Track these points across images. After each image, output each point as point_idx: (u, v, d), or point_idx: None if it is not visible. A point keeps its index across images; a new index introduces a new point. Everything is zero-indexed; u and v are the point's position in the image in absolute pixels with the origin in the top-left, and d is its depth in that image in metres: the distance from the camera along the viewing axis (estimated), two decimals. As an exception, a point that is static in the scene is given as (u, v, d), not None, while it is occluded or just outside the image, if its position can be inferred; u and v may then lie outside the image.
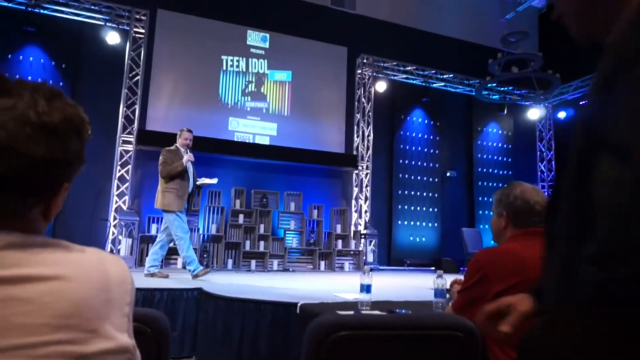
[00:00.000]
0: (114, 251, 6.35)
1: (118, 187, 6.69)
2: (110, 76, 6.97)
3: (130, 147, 6.80)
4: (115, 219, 6.56)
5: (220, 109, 7.67)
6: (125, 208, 6.63)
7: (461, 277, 1.84)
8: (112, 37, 6.91)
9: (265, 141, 7.84)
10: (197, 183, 5.09)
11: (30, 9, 6.51)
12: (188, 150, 4.96)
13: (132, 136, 6.84)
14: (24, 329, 0.55)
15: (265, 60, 8.09)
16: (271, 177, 7.28)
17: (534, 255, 1.40)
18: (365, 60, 8.40)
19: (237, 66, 7.90)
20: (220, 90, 7.72)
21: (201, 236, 6.83)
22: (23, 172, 0.60)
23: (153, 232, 6.63)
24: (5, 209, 0.62)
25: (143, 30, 7.09)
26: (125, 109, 6.86)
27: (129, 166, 6.76)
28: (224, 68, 7.79)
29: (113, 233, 6.53)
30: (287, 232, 7.46)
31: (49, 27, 6.70)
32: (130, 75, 6.94)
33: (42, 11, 6.67)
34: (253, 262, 6.89)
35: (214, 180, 5.12)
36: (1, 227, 0.61)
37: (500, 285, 1.37)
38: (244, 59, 7.95)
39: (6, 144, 0.58)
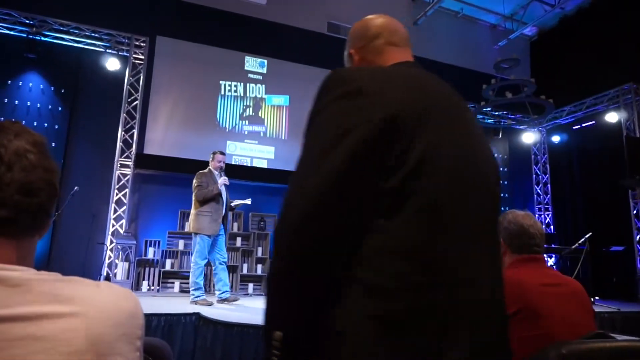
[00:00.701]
0: (111, 275, 6.29)
1: (115, 211, 6.68)
2: (109, 101, 7.04)
3: (128, 171, 6.82)
4: (111, 242, 6.52)
5: (218, 132, 7.73)
6: (122, 231, 6.60)
7: None
8: (112, 64, 7.01)
9: (263, 164, 7.88)
10: (232, 205, 5.10)
11: (31, 37, 6.62)
12: (222, 173, 4.98)
13: (129, 160, 6.87)
14: None
15: (263, 85, 8.20)
16: (269, 200, 7.27)
17: (534, 282, 1.43)
18: (361, 85, 8.52)
19: (235, 91, 8.00)
20: (218, 115, 7.80)
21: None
22: None
23: (150, 255, 6.60)
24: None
25: (142, 57, 7.21)
26: (123, 132, 6.91)
27: (127, 190, 6.76)
28: (222, 93, 7.89)
29: (109, 257, 6.48)
30: (284, 255, 7.40)
31: (50, 53, 6.80)
32: (129, 99, 7.01)
33: (42, 38, 6.78)
34: (250, 285, 6.83)
35: (248, 201, 5.16)
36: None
37: None
38: (242, 83, 8.06)
39: None
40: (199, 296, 4.58)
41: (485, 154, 0.91)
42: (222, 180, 4.85)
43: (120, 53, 7.22)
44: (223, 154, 5.16)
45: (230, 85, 7.97)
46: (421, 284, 0.71)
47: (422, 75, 0.97)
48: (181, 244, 6.83)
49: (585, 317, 1.43)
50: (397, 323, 0.69)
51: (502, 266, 0.87)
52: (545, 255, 1.62)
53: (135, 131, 6.98)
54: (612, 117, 8.34)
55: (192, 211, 4.83)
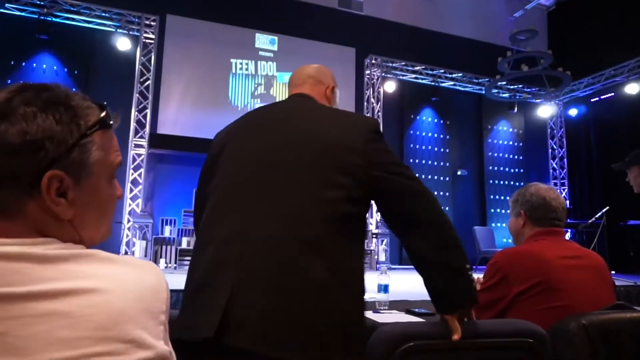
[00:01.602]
0: (129, 253, 6.43)
1: (131, 190, 6.77)
2: (122, 81, 7.06)
3: (142, 151, 6.88)
4: (129, 221, 6.64)
5: (230, 111, 7.73)
6: (138, 211, 6.71)
7: (477, 277, 1.86)
8: (123, 43, 7.00)
9: (275, 143, 7.88)
10: None
11: (42, 18, 6.62)
12: None
13: (144, 140, 6.93)
14: (66, 343, 0.55)
15: (274, 63, 8.13)
16: (282, 179, 7.33)
17: (554, 255, 1.42)
18: (373, 61, 8.41)
19: (247, 69, 7.95)
20: (230, 93, 7.78)
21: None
22: None
23: (166, 233, 6.71)
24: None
25: (153, 36, 7.17)
26: (136, 113, 6.94)
27: (142, 169, 6.84)
28: (233, 71, 7.85)
29: (127, 235, 6.61)
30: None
31: (61, 34, 6.80)
32: (141, 80, 7.02)
33: (54, 19, 6.78)
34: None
35: None
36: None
37: (521, 286, 1.38)
38: (253, 61, 8.00)
39: None
40: None
41: (283, 144, 1.13)
42: None
43: (131, 33, 7.19)
44: None
45: (241, 64, 7.92)
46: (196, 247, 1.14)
47: (260, 108, 1.38)
48: (197, 223, 6.93)
49: (605, 290, 1.43)
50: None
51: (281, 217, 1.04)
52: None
53: (148, 111, 7.01)
54: (632, 88, 8.12)
55: None
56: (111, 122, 0.70)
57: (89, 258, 0.62)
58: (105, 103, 0.69)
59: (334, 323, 0.96)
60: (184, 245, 6.70)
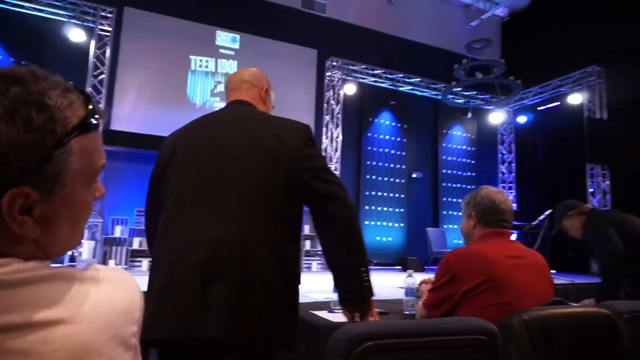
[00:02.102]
0: (76, 254, 6.17)
1: (81, 188, 6.51)
2: (74, 74, 6.75)
3: (94, 147, 6.63)
4: (78, 220, 6.37)
5: (189, 108, 7.58)
6: (89, 209, 6.45)
7: (429, 276, 1.93)
8: (76, 35, 6.71)
9: (235, 142, 7.81)
10: None
11: (-13, 3, 6.25)
12: None
13: (96, 136, 6.67)
14: None
15: (235, 61, 8.05)
16: (240, 178, 7.26)
17: (500, 254, 1.51)
18: (334, 63, 8.49)
19: (206, 66, 7.82)
20: (189, 90, 7.64)
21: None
22: None
23: (117, 233, 6.50)
24: None
25: (109, 28, 6.92)
26: (89, 107, 6.67)
27: (93, 166, 6.58)
28: (193, 68, 7.71)
29: (76, 235, 6.34)
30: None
31: (8, 22, 6.44)
32: (95, 73, 6.76)
33: (1, 5, 6.41)
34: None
35: None
36: None
37: (469, 283, 1.45)
38: (213, 59, 7.89)
39: None
40: None
41: (235, 152, 1.23)
42: None
43: (85, 24, 6.91)
44: None
45: (201, 61, 7.79)
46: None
47: (204, 116, 1.43)
48: (151, 222, 6.75)
49: (545, 287, 1.53)
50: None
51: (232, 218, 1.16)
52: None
53: (101, 106, 6.75)
54: (575, 98, 8.63)
55: None
56: (95, 122, 0.59)
57: (53, 280, 0.53)
58: (91, 97, 0.60)
59: (283, 312, 1.16)
60: (135, 246, 6.52)
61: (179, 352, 1.13)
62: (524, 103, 9.88)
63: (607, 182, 8.10)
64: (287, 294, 1.19)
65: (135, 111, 7.13)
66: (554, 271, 6.95)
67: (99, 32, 6.84)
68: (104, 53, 6.85)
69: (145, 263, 6.47)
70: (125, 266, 6.35)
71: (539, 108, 9.77)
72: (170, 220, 1.20)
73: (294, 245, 1.24)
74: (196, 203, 1.18)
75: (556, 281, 5.17)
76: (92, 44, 6.80)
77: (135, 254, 6.53)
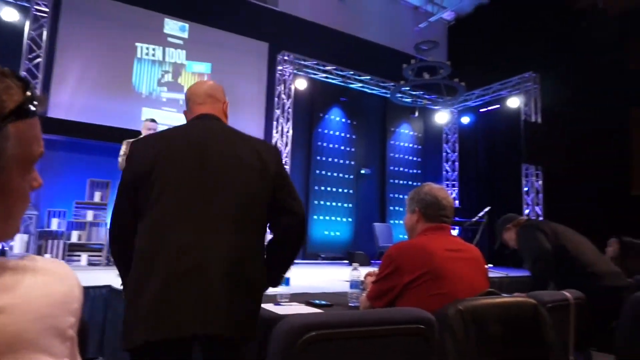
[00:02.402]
0: (7, 248, 5.79)
1: (13, 178, 6.10)
2: (5, 57, 6.31)
3: (28, 135, 6.22)
4: (9, 213, 5.97)
5: (134, 98, 7.29)
6: (22, 201, 6.06)
7: (374, 269, 1.99)
8: (9, 14, 6.26)
9: (182, 134, 7.60)
10: None
11: None
12: None
13: (31, 123, 6.26)
14: None
15: (184, 51, 7.82)
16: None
17: (440, 248, 1.58)
18: (286, 57, 8.47)
19: (153, 55, 7.55)
20: (134, 79, 7.34)
21: (109, 231, 6.46)
22: None
23: (54, 227, 6.16)
24: None
25: (46, 9, 6.51)
26: (23, 92, 6.25)
27: (27, 156, 6.18)
28: (139, 56, 7.41)
29: (7, 228, 5.94)
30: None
31: None
32: (30, 56, 6.34)
33: None
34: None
35: None
36: None
37: (411, 275, 1.52)
38: (161, 47, 7.63)
39: None
40: None
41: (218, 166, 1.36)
42: None
43: (19, 2, 6.45)
44: (154, 121, 4.85)
45: (147, 49, 7.50)
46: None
47: (180, 127, 1.48)
48: (90, 215, 6.44)
49: (481, 279, 1.63)
50: None
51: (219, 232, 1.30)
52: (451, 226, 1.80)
53: (37, 92, 6.34)
54: (513, 102, 9.13)
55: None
56: (34, 108, 0.58)
57: None
58: (30, 82, 0.58)
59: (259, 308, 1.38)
60: (74, 239, 6.21)
61: (182, 350, 1.27)
62: (468, 104, 10.32)
63: (540, 182, 8.65)
64: (263, 291, 1.41)
65: (76, 99, 6.77)
66: (490, 265, 7.34)
67: (34, 12, 6.42)
68: (40, 35, 6.44)
69: (84, 257, 6.18)
70: (63, 260, 6.03)
71: (481, 110, 10.25)
72: (162, 225, 1.28)
73: (264, 250, 1.45)
74: (191, 211, 1.28)
75: (492, 274, 5.49)
76: (27, 24, 6.37)
77: (74, 248, 6.22)
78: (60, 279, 0.58)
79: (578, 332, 1.67)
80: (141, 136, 1.73)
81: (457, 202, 10.36)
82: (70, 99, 6.72)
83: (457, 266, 1.57)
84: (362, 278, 2.15)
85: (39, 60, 6.37)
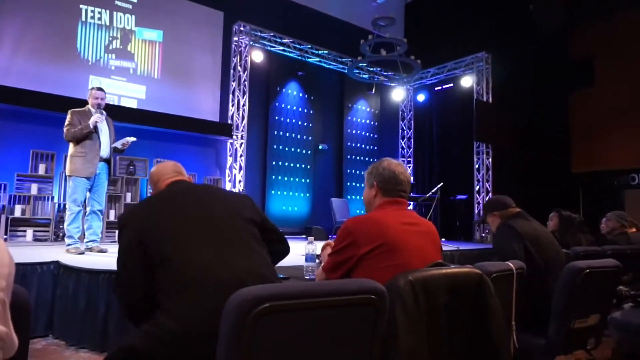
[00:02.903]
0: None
1: (-55, 149, 5.66)
2: None
3: (-39, 102, 5.76)
4: (-59, 186, 5.56)
5: (79, 65, 6.88)
6: (-45, 173, 5.66)
7: (331, 241, 2.02)
8: None
9: (133, 104, 7.29)
10: (117, 146, 4.54)
11: None
12: (101, 113, 4.43)
13: (-37, 89, 5.79)
14: None
15: (133, 16, 7.42)
16: (139, 144, 6.77)
17: (395, 221, 1.62)
18: (242, 28, 8.22)
19: (100, 19, 7.12)
20: (79, 44, 6.91)
21: (56, 205, 6.18)
22: None
23: (-6, 201, 5.80)
24: None
25: (-23, -37, 5.95)
26: (-47, 55, 5.75)
27: (-40, 124, 5.74)
28: (83, 19, 6.97)
29: (-61, 202, 5.55)
30: (156, 201, 7.12)
31: None
32: (-40, 15, 5.81)
33: None
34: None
35: (132, 138, 4.62)
36: None
37: (366, 247, 1.55)
38: (107, 11, 7.20)
39: None
40: (70, 244, 4.24)
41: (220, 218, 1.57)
42: (95, 117, 4.36)
43: (-56, -46, 5.86)
44: (101, 89, 4.62)
45: (93, 12, 7.06)
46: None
47: (165, 193, 1.71)
48: (34, 188, 6.11)
49: (434, 252, 1.69)
50: None
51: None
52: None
53: (-31, 54, 5.86)
54: (466, 81, 9.37)
55: (68, 152, 4.37)
56: None
57: None
58: None
59: None
60: (17, 214, 5.89)
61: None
62: (423, 82, 10.49)
63: (490, 160, 9.01)
64: None
65: (13, 63, 6.30)
66: (443, 239, 7.64)
67: (-36, -33, 5.86)
68: (-29, -8, 5.90)
69: (30, 233, 5.89)
70: (5, 236, 5.72)
71: (436, 88, 10.45)
72: (192, 253, 1.41)
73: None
74: (213, 243, 1.46)
75: (445, 248, 5.72)
76: (-44, -20, 5.81)
77: (16, 223, 5.90)
78: None
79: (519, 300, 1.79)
80: (139, 203, 1.72)
81: (412, 178, 10.63)
82: (7, 63, 6.25)
83: (411, 239, 1.61)
84: (317, 252, 2.18)
85: (-30, 20, 5.86)
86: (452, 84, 10.02)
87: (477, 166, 9.11)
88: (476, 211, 9.01)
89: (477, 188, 9.05)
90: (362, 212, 1.92)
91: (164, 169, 1.85)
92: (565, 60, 8.68)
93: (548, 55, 8.52)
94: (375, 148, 10.57)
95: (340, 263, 1.62)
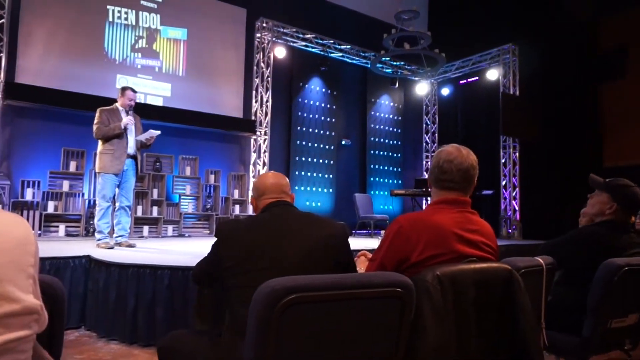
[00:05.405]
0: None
1: (-18, 147, 5.89)
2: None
3: (-4, 102, 5.97)
4: (-21, 183, 5.79)
5: (107, 64, 7.04)
6: (-8, 171, 5.88)
7: (367, 251, 1.87)
8: (-31, -29, 5.88)
9: (159, 102, 7.41)
10: (142, 140, 4.64)
11: None
12: (131, 112, 4.56)
13: (-2, 89, 6.00)
14: None
15: (158, 15, 7.54)
16: (165, 141, 6.89)
17: (449, 224, 1.43)
18: (264, 24, 8.26)
19: (126, 19, 7.26)
20: (106, 44, 7.07)
21: (86, 201, 6.35)
22: None
23: (28, 197, 6.01)
24: None
25: (10, -33, 6.14)
26: (-12, 57, 5.96)
27: (-4, 124, 5.95)
28: (110, 19, 7.12)
29: (-23, 199, 5.77)
30: (182, 197, 7.25)
31: None
32: (-6, 17, 6.01)
33: None
34: (146, 228, 6.61)
35: (157, 132, 4.71)
36: None
37: (420, 253, 1.38)
38: (134, 11, 7.33)
39: None
40: (100, 239, 4.37)
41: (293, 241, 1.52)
42: (127, 119, 4.48)
43: (-21, -41, 6.07)
44: (134, 91, 4.73)
45: (119, 12, 7.20)
46: None
47: (256, 221, 1.63)
48: (66, 185, 6.30)
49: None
50: None
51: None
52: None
53: (2, 55, 6.06)
54: (492, 74, 9.17)
55: (97, 150, 4.52)
56: None
57: None
58: None
59: None
60: (50, 210, 6.08)
61: None
62: (447, 76, 10.33)
63: (517, 154, 8.81)
64: None
65: (45, 63, 6.49)
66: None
67: (-3, -29, 6.05)
68: (4, -5, 6.09)
69: (62, 228, 6.08)
70: (40, 231, 5.92)
71: (461, 81, 10.27)
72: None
73: None
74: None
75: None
76: (-10, -16, 6.01)
77: (50, 219, 6.10)
78: (17, 222, 0.65)
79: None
80: (230, 220, 1.59)
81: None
82: (39, 64, 6.45)
83: (467, 248, 1.42)
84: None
85: (2, 21, 6.05)
86: (477, 77, 9.83)
87: (503, 161, 8.93)
88: (502, 207, 8.83)
89: (503, 183, 8.87)
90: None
91: (271, 186, 1.74)
92: (595, 51, 8.40)
93: (577, 46, 8.26)
94: (399, 143, 10.48)
95: (386, 265, 1.42)
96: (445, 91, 10.52)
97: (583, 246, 2.06)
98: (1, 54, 6.05)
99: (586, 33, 8.34)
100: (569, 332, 1.96)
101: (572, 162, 8.06)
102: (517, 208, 8.68)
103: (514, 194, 8.73)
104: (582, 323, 1.92)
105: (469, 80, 10.11)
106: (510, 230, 8.61)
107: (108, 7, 7.09)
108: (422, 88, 10.46)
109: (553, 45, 8.32)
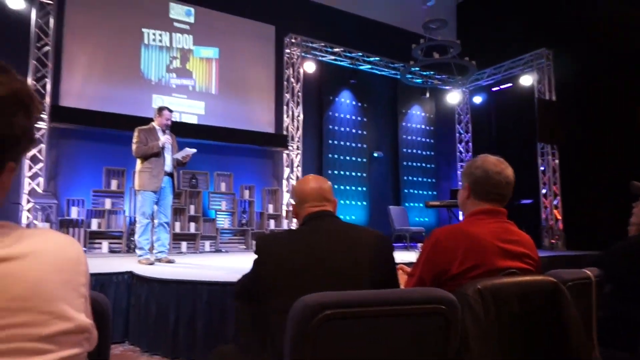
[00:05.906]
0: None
1: (30, 168, 6.19)
2: (13, 45, 6.30)
3: (42, 124, 6.29)
4: (28, 202, 6.08)
5: (143, 85, 7.31)
6: (40, 190, 6.17)
7: (404, 264, 1.86)
8: (15, 2, 6.21)
9: (193, 120, 7.62)
10: (179, 158, 4.77)
11: None
12: (167, 131, 4.73)
13: (43, 113, 6.32)
14: None
15: (190, 36, 7.79)
16: (200, 158, 7.05)
17: (491, 236, 1.41)
18: (293, 40, 8.39)
19: (160, 40, 7.54)
20: (142, 66, 7.35)
21: (127, 218, 6.56)
22: None
23: (73, 215, 6.26)
24: None
25: (53, -3, 6.49)
26: (34, 82, 6.30)
27: (42, 145, 6.26)
28: (146, 42, 7.40)
29: (27, 217, 6.06)
30: (218, 212, 7.38)
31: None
32: (38, 45, 6.36)
33: None
34: (184, 243, 6.76)
35: (193, 150, 4.85)
36: None
37: (458, 266, 1.37)
38: (167, 33, 7.60)
39: None
40: (141, 255, 4.50)
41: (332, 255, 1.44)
42: (165, 139, 4.62)
43: (26, -8, 6.44)
44: (171, 110, 4.89)
45: (154, 34, 7.49)
46: None
47: (297, 234, 1.59)
48: (108, 203, 6.53)
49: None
50: None
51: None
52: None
53: (48, 80, 6.39)
54: (526, 80, 8.96)
55: (135, 168, 4.68)
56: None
57: (4, 227, 0.61)
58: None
59: None
60: (94, 227, 6.31)
61: None
62: (479, 84, 10.16)
63: (557, 161, 8.52)
64: None
65: (86, 87, 6.80)
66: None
67: (40, 0, 6.41)
68: (47, 23, 6.44)
69: (105, 245, 6.29)
70: (85, 248, 6.12)
71: (493, 89, 10.08)
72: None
73: None
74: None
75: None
76: (33, 12, 6.37)
77: (94, 236, 6.33)
78: (70, 242, 0.67)
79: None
80: (269, 235, 1.58)
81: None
82: (81, 87, 6.76)
83: (507, 261, 1.39)
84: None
85: (47, 48, 6.39)
86: (510, 84, 9.62)
87: (542, 168, 8.65)
88: (543, 216, 8.54)
89: (543, 192, 8.59)
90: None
91: (312, 192, 1.64)
92: (637, 50, 8.08)
93: (617, 46, 7.96)
94: (432, 153, 10.34)
95: (422, 282, 1.41)
96: (478, 99, 10.34)
97: (633, 258, 1.96)
98: (47, 79, 6.38)
99: (626, 32, 8.04)
100: (623, 349, 1.86)
101: (614, 169, 7.73)
102: (559, 217, 8.37)
103: (555, 202, 8.43)
104: (638, 339, 1.82)
105: (502, 87, 9.91)
106: (553, 241, 8.30)
107: (143, 30, 7.39)
108: (453, 97, 10.32)
109: (591, 47, 8.05)
